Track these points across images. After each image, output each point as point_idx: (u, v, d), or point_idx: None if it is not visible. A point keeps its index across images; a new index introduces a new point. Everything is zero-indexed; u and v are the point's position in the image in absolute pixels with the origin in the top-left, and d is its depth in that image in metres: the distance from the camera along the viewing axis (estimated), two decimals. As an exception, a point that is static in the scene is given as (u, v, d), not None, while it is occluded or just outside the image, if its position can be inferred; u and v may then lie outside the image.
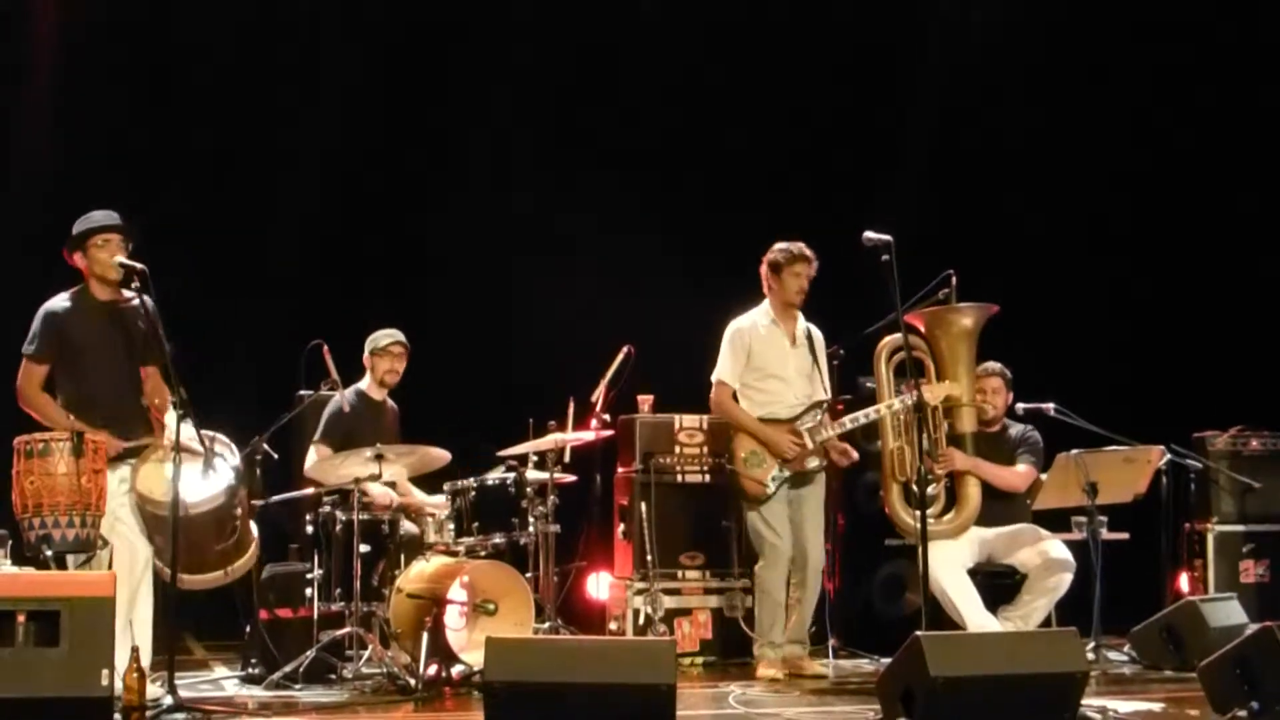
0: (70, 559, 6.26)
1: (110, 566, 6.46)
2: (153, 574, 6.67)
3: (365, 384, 8.13)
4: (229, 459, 6.72)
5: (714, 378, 7.82)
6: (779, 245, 7.79)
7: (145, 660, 6.23)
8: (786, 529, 7.71)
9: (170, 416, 6.64)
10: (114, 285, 6.71)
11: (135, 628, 6.46)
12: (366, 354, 8.12)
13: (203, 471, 6.51)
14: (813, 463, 7.74)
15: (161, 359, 6.69)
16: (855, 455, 7.93)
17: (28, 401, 6.67)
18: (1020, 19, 10.79)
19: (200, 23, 9.87)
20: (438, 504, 7.81)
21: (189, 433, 6.50)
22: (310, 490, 7.82)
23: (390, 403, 8.22)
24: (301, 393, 7.98)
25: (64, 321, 6.67)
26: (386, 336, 8.11)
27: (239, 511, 6.77)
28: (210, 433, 6.61)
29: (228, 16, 9.89)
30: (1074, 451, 7.96)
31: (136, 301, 6.68)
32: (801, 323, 7.87)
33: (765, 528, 7.70)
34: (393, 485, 7.86)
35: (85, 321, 6.68)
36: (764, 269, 7.81)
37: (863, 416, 7.69)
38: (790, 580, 7.76)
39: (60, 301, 6.72)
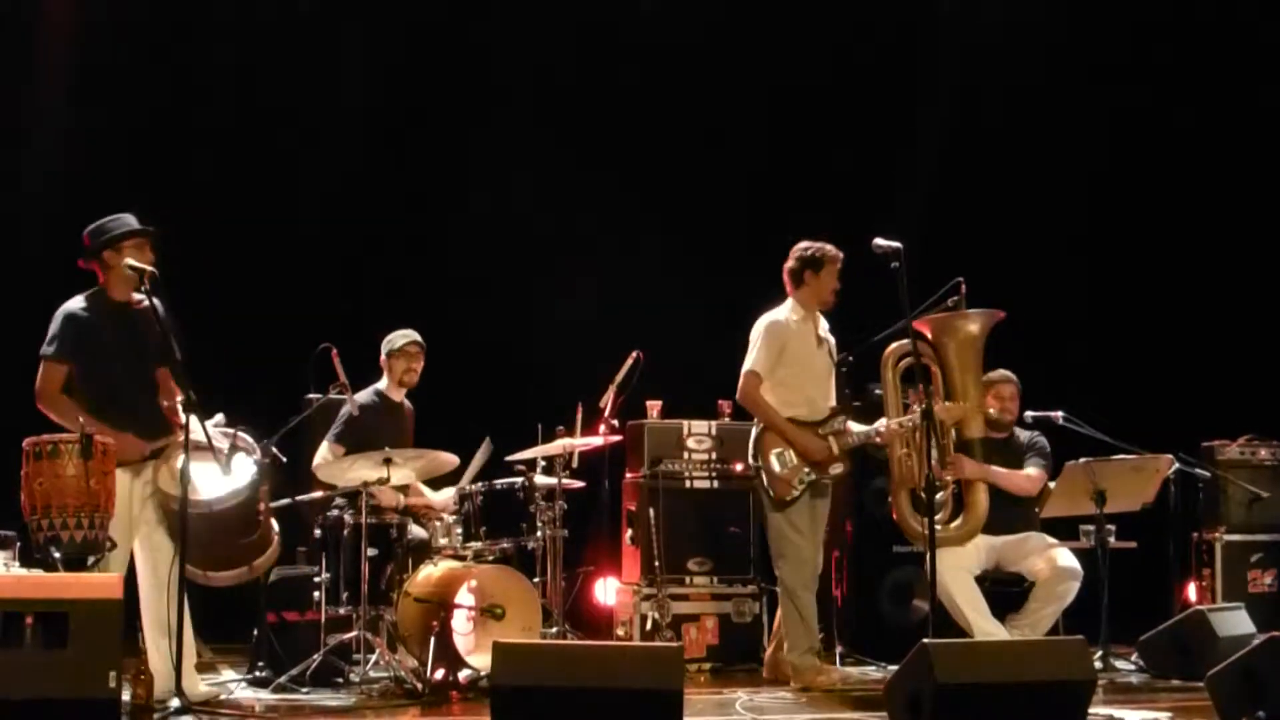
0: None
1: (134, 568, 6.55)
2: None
3: (384, 385, 8.15)
4: (252, 454, 6.73)
5: (746, 368, 7.64)
6: (811, 244, 7.69)
7: (191, 659, 6.50)
8: (810, 531, 7.61)
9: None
10: (131, 288, 6.73)
11: (171, 627, 6.46)
12: (383, 356, 8.14)
13: (223, 468, 6.53)
14: (837, 468, 7.63)
15: (173, 360, 6.73)
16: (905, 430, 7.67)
17: (48, 403, 6.64)
18: (1026, 19, 10.80)
19: (211, 26, 9.91)
20: (447, 499, 7.83)
21: (206, 430, 6.53)
22: (319, 494, 7.83)
23: (408, 404, 8.23)
24: (310, 397, 7.99)
25: (84, 323, 6.66)
26: (402, 337, 8.12)
27: (262, 507, 6.78)
28: (232, 429, 6.66)
29: (238, 18, 9.93)
30: (1082, 460, 7.95)
31: (148, 304, 6.72)
32: (823, 323, 7.83)
33: (791, 530, 7.58)
34: (405, 488, 7.88)
35: (105, 323, 6.68)
36: (796, 266, 7.67)
37: (891, 426, 7.60)
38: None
39: (78, 303, 6.71)
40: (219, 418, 6.79)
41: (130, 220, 6.72)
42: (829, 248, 7.68)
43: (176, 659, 6.27)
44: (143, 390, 6.75)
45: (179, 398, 6.56)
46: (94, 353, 6.66)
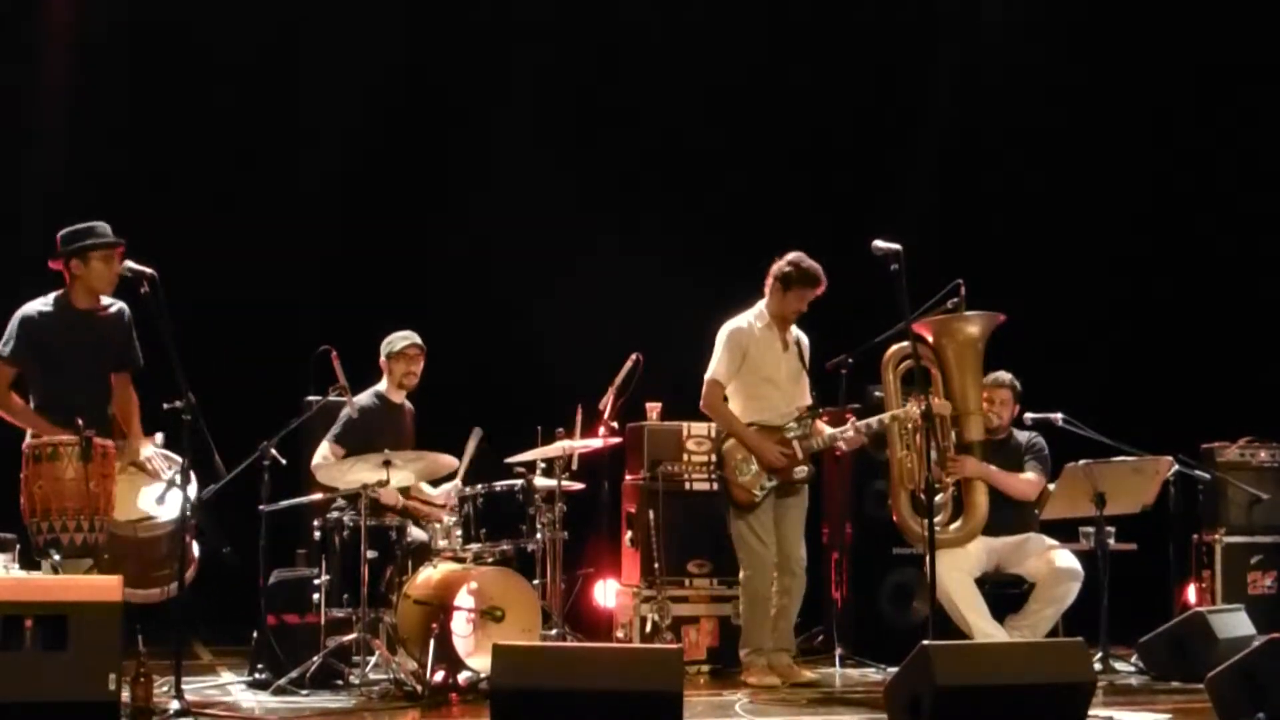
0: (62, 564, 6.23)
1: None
2: None
3: (383, 386, 8.13)
4: (189, 487, 6.59)
5: (708, 377, 7.76)
6: (798, 260, 7.65)
7: None
8: (772, 537, 7.68)
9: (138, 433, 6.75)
10: (99, 295, 6.74)
11: None
12: (383, 358, 8.11)
13: (161, 494, 6.53)
14: (801, 472, 7.69)
15: (136, 366, 6.82)
16: (864, 438, 7.85)
17: None
18: (1026, 19, 10.82)
19: (214, 28, 9.92)
20: (447, 492, 7.83)
21: (156, 452, 6.60)
22: (318, 496, 7.83)
23: (408, 404, 8.22)
24: (310, 399, 7.98)
25: (42, 326, 6.66)
26: (402, 339, 8.09)
27: (188, 539, 6.69)
28: (173, 456, 6.66)
29: (239, 17, 9.93)
30: (1082, 462, 7.94)
31: (115, 309, 6.78)
32: (793, 328, 7.86)
33: (752, 536, 7.66)
34: (406, 491, 7.88)
35: (64, 327, 6.66)
36: (774, 276, 7.71)
37: (858, 428, 7.66)
38: (774, 588, 7.74)
39: (39, 305, 6.70)
40: (159, 438, 6.79)
41: (103, 230, 6.70)
42: (812, 274, 7.64)
43: (177, 665, 6.26)
44: (94, 396, 6.69)
45: (136, 409, 6.67)
46: (47, 356, 6.65)
